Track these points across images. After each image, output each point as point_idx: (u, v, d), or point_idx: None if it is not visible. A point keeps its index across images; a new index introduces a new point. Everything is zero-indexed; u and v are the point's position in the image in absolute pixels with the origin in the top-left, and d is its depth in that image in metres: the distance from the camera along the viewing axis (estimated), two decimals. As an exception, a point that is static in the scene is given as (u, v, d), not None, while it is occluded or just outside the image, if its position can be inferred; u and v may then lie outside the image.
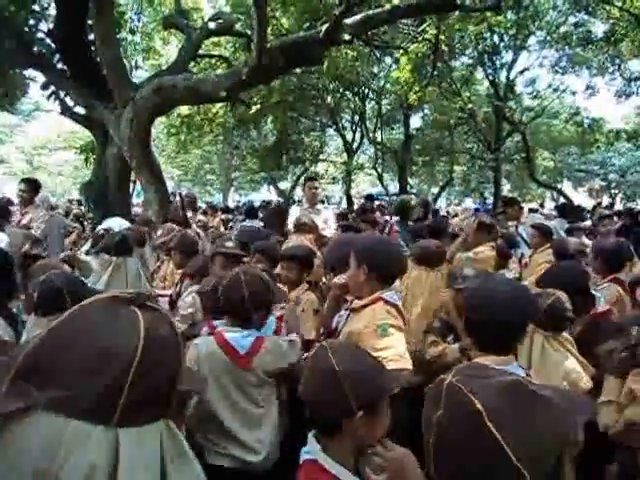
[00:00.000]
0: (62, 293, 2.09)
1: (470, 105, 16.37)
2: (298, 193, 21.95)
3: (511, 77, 17.49)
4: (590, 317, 2.75)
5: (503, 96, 16.98)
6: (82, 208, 9.53)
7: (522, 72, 18.02)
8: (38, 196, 5.85)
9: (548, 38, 15.48)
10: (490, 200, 20.68)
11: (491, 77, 17.27)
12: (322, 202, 8.04)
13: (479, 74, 18.28)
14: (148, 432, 0.74)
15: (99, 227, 5.04)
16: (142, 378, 0.72)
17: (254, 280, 2.23)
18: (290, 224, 5.40)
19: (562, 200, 16.51)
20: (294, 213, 5.70)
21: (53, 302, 2.07)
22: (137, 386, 0.71)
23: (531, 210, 14.87)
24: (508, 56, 17.22)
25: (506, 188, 27.91)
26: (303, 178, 7.92)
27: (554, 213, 15.19)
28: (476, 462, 0.85)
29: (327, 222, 5.38)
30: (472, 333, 1.80)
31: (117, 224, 4.74)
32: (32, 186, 5.62)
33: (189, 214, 5.72)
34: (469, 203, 31.40)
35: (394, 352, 2.00)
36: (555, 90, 17.63)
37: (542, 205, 23.40)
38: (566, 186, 28.84)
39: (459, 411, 0.88)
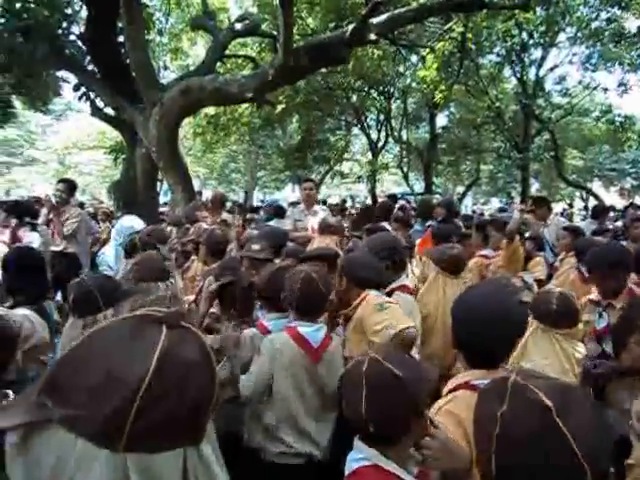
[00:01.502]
0: (94, 295, 2.13)
1: (497, 104, 16.13)
2: (323, 192, 21.97)
3: (540, 74, 17.17)
4: (628, 293, 2.84)
5: (532, 94, 16.68)
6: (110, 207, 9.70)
7: (552, 69, 17.67)
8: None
9: (579, 34, 15.12)
10: (517, 200, 20.34)
11: (519, 75, 16.97)
12: (323, 203, 8.12)
13: (507, 72, 17.99)
14: (166, 458, 0.70)
15: (117, 225, 5.14)
16: (154, 403, 0.68)
17: (325, 279, 2.37)
18: (288, 226, 5.42)
19: (592, 200, 16.14)
20: (291, 215, 5.69)
21: (86, 304, 2.13)
22: (147, 412, 0.67)
23: (562, 213, 14.56)
24: (537, 53, 16.90)
25: (534, 187, 27.41)
26: (302, 179, 8.07)
27: (583, 213, 14.86)
28: (541, 456, 0.89)
29: None
30: (459, 347, 1.73)
31: (132, 223, 4.85)
32: (69, 187, 5.78)
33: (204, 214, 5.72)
34: (495, 203, 30.99)
35: (398, 316, 2.31)
36: (586, 87, 17.20)
37: (571, 205, 22.91)
38: (596, 186, 28.18)
39: (527, 407, 0.93)
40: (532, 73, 17.14)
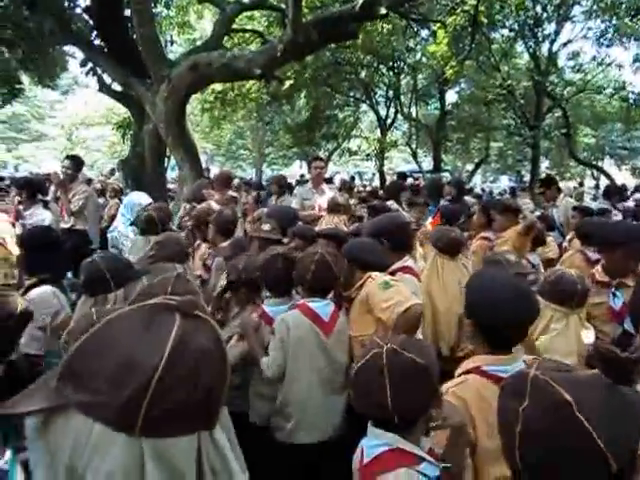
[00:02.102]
0: (105, 276, 2.17)
1: (509, 80, 15.84)
2: (331, 169, 21.85)
3: (553, 50, 16.79)
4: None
5: (544, 70, 16.34)
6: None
7: (565, 44, 17.27)
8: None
9: (594, 8, 14.75)
10: (527, 178, 20.16)
11: (532, 50, 16.62)
12: (327, 181, 8.12)
13: (519, 47, 17.62)
14: (180, 443, 0.73)
15: (125, 201, 5.15)
16: (167, 390, 0.70)
17: (337, 260, 2.47)
18: (295, 205, 5.39)
19: (603, 179, 15.95)
20: (298, 194, 5.64)
21: (97, 285, 2.17)
22: (161, 399, 0.70)
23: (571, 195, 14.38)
24: (551, 27, 16.49)
25: (544, 165, 27.09)
26: (311, 157, 8.03)
27: (594, 192, 14.69)
28: (565, 450, 0.90)
29: None
30: (473, 331, 1.73)
31: (140, 199, 4.85)
32: (75, 163, 5.78)
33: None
34: (505, 181, 30.69)
35: (404, 294, 2.33)
36: (600, 63, 16.83)
37: (581, 184, 22.65)
38: (607, 164, 27.83)
39: (547, 402, 0.93)
40: (545, 48, 16.76)
